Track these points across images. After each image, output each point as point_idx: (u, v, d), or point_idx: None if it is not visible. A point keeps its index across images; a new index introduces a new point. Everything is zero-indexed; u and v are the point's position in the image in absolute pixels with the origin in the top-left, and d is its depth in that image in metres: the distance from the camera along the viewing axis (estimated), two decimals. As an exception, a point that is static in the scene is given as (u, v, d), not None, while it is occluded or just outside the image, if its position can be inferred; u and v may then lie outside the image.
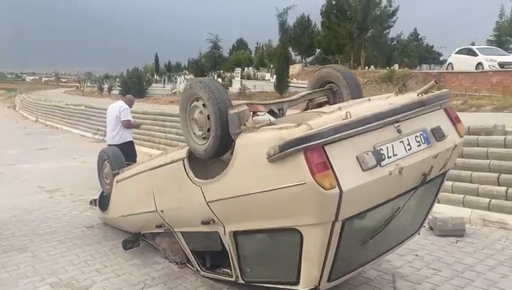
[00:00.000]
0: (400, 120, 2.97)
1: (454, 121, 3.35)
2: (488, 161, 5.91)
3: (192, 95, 3.48)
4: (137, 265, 4.58)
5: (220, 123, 3.21)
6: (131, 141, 7.61)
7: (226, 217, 3.35)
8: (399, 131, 2.96)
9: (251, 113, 3.24)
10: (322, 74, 4.20)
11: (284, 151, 2.63)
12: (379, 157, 2.74)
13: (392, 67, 28.21)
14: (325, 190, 2.54)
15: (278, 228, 3.00)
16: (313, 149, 2.58)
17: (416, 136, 3.06)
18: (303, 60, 46.56)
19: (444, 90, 3.37)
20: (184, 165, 3.67)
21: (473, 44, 32.92)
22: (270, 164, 2.74)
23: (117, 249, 4.97)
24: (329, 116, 2.82)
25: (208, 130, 3.37)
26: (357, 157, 2.71)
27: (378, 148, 2.81)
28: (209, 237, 3.75)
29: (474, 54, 20.85)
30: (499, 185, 5.68)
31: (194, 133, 3.53)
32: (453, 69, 21.95)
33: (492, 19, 40.43)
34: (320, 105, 4.15)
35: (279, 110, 3.87)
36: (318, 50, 47.28)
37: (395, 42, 49.23)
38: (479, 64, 20.03)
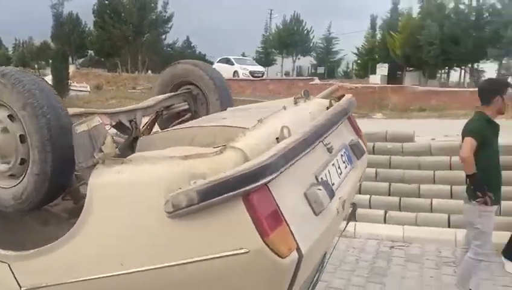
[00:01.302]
0: (329, 136, 2.19)
1: (359, 132, 2.78)
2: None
3: None
4: None
5: (51, 149, 1.80)
6: None
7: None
8: (329, 150, 2.17)
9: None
10: (176, 72, 3.10)
11: (209, 201, 1.49)
12: (331, 192, 1.88)
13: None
14: (282, 257, 1.53)
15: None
16: (257, 192, 1.53)
17: (341, 155, 2.34)
18: (74, 61, 42.30)
19: (348, 95, 2.76)
20: None
21: (243, 54, 36.06)
22: (172, 221, 1.55)
23: None
24: (256, 134, 1.81)
25: (22, 161, 1.89)
26: (305, 195, 1.78)
27: (320, 178, 1.96)
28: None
29: (231, 63, 23.89)
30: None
31: (-12, 168, 1.96)
32: None
33: (260, 32, 45.24)
34: (180, 114, 3.05)
35: (130, 121, 2.60)
36: (91, 51, 43.82)
37: (169, 49, 49.86)
38: (235, 72, 23.06)
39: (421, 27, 24.25)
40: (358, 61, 37.77)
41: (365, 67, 34.18)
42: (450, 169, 5.38)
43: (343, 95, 2.71)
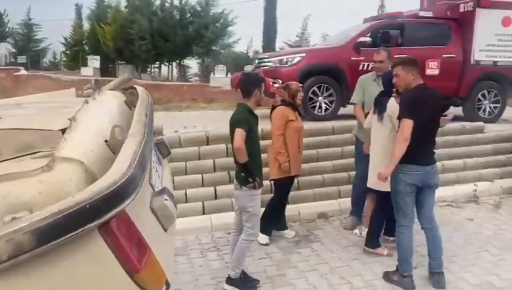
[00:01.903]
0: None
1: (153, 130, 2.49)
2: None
3: None
4: None
5: None
6: None
7: None
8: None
9: None
10: None
11: (53, 242, 0.98)
12: (173, 201, 1.57)
13: None
14: None
15: None
16: (116, 219, 1.11)
17: (154, 156, 2.02)
18: None
19: (140, 88, 2.41)
20: None
21: None
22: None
23: None
24: (79, 138, 1.32)
25: None
26: (152, 210, 1.43)
27: (154, 185, 1.63)
28: None
29: None
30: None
31: None
32: None
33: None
34: None
35: None
36: None
37: None
38: None
39: (131, 21, 24.49)
40: (67, 51, 35.21)
41: (75, 58, 32.16)
42: (199, 159, 5.64)
43: (133, 87, 2.38)
